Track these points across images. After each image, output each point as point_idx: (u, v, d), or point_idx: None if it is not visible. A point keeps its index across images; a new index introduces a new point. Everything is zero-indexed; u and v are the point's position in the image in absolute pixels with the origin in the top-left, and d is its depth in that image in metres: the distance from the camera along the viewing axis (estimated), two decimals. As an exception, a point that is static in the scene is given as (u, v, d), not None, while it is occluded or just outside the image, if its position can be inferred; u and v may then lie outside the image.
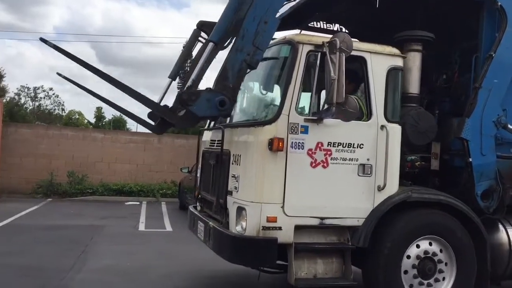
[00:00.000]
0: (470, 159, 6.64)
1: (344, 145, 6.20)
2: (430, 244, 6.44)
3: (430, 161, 6.91)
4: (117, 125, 43.29)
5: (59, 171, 19.79)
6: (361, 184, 6.27)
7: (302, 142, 6.03)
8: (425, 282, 6.42)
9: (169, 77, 6.76)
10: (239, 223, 6.08)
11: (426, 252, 6.41)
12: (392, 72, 6.48)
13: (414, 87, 6.89)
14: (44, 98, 32.48)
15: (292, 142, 5.99)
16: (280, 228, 5.94)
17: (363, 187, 6.28)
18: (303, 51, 6.06)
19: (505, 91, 6.84)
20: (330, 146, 6.15)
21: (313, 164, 6.08)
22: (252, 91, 6.69)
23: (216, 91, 5.90)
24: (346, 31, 8.04)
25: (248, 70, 6.11)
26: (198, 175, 7.49)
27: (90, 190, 19.87)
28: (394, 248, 6.27)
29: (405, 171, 6.67)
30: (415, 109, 6.80)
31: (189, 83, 6.02)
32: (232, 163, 6.35)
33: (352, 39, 5.90)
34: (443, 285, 6.52)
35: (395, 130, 6.44)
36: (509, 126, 6.87)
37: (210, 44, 6.12)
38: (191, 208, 7.58)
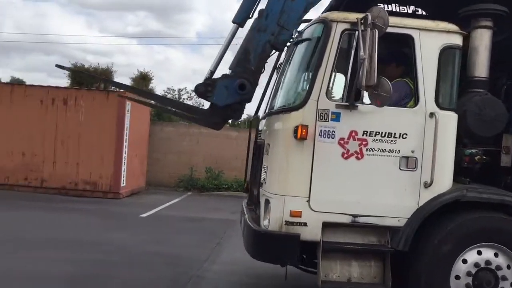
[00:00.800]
0: None
1: (383, 135, 5.33)
2: (496, 255, 5.33)
3: (500, 156, 5.75)
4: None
5: (198, 167, 20.35)
6: (403, 179, 5.35)
7: (333, 131, 5.29)
8: None
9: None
10: (266, 217, 5.49)
11: (488, 262, 5.31)
12: (447, 52, 5.46)
13: (481, 69, 5.72)
14: (187, 99, 33.92)
15: (321, 130, 5.27)
16: (305, 224, 5.26)
17: (406, 183, 5.35)
18: (337, 30, 5.32)
19: None
20: (366, 135, 5.33)
21: (345, 155, 5.31)
22: (289, 75, 6.04)
23: (234, 76, 5.42)
24: (424, 13, 7.05)
25: (273, 52, 5.55)
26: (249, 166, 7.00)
27: (225, 186, 20.14)
28: (443, 253, 5.27)
29: (463, 167, 5.61)
30: (479, 95, 5.69)
31: (206, 74, 5.59)
32: (265, 153, 5.80)
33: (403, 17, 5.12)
34: None
35: (449, 118, 5.42)
36: None
37: (234, 26, 5.64)
38: (243, 202, 7.11)
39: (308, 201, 5.27)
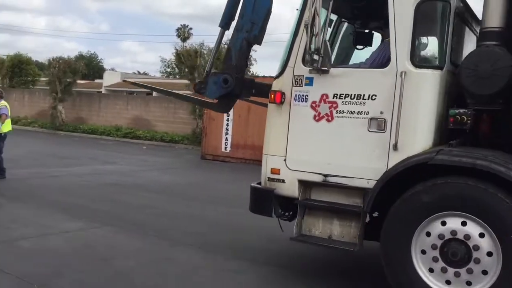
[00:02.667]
0: None
1: (352, 97, 5.12)
2: (464, 224, 4.56)
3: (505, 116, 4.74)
4: None
5: None
6: (371, 140, 5.04)
7: (306, 95, 5.36)
8: (451, 269, 4.60)
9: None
10: None
11: (453, 232, 4.59)
12: (425, 5, 4.86)
13: (492, 18, 4.84)
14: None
15: (296, 95, 5.41)
16: (283, 181, 5.50)
17: (375, 145, 5.02)
18: None
19: None
20: (336, 98, 5.20)
21: (317, 118, 5.31)
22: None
23: (220, 72, 5.93)
24: None
25: (253, 47, 5.86)
26: None
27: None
28: (402, 220, 4.80)
29: (449, 128, 4.89)
30: (481, 48, 4.83)
31: (204, 74, 6.17)
32: None
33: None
34: (481, 280, 4.51)
35: (426, 77, 4.85)
36: None
37: (221, 30, 6.09)
38: None
39: (285, 160, 5.47)
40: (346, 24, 6.44)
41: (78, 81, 33.72)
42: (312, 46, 4.89)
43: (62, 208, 8.86)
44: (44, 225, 7.60)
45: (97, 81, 55.61)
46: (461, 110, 4.82)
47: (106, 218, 8.27)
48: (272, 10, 5.81)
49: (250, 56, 5.83)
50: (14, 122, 17.25)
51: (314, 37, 4.85)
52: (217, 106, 6.31)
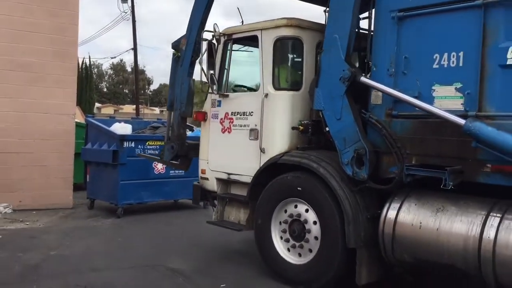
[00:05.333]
0: (327, 128, 5.59)
1: (241, 114, 6.62)
2: (307, 211, 5.80)
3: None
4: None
5: None
6: (251, 147, 6.47)
7: (217, 113, 6.97)
8: (292, 241, 5.93)
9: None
10: None
11: (299, 215, 5.87)
12: (279, 43, 6.25)
13: None
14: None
15: (212, 114, 7.04)
16: (207, 179, 7.12)
17: (253, 150, 6.44)
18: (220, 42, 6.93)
19: (347, 40, 5.24)
20: (233, 115, 6.74)
21: (223, 130, 6.86)
22: None
23: (169, 141, 7.65)
24: None
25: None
26: None
27: None
28: (262, 209, 6.24)
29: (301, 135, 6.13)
30: None
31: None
32: None
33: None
34: (306, 255, 5.80)
35: (281, 97, 6.22)
36: (362, 78, 5.17)
37: (167, 112, 7.86)
38: None
39: (208, 162, 7.10)
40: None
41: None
42: (204, 78, 6.60)
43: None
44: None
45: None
46: (304, 121, 6.07)
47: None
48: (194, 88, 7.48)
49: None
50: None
51: (204, 72, 6.59)
52: (178, 165, 7.96)
